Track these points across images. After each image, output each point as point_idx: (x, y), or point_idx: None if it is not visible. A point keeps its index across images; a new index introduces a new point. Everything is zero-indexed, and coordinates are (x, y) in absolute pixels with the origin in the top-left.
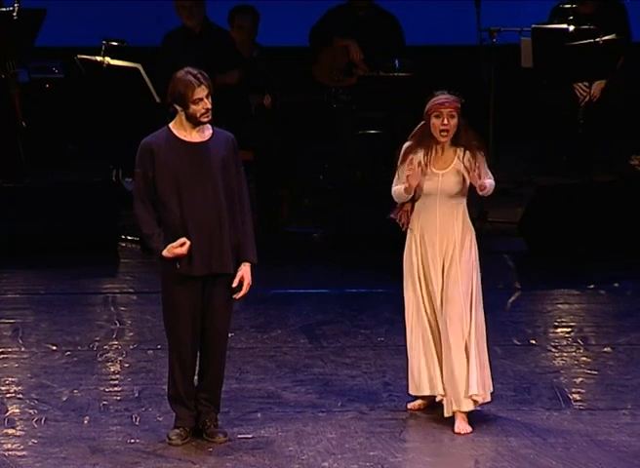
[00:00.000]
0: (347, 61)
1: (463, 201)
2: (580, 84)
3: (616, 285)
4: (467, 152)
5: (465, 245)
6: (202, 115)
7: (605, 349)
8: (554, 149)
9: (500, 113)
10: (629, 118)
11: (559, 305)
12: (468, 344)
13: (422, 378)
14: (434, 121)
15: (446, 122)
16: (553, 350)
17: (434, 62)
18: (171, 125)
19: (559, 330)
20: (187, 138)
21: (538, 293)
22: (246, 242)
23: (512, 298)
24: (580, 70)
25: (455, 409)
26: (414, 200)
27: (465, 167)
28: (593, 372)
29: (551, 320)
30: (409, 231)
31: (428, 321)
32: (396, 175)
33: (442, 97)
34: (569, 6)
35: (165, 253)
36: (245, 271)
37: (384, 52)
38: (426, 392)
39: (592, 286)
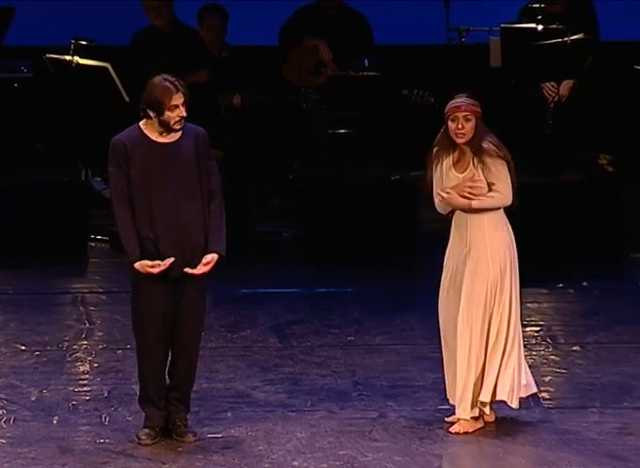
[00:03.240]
0: (316, 61)
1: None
2: (547, 84)
3: (584, 284)
4: (481, 162)
5: (490, 252)
6: (175, 123)
7: (574, 348)
8: (525, 149)
9: None
10: (597, 118)
11: (528, 304)
12: (470, 354)
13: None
14: (450, 124)
15: (460, 126)
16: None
17: (403, 62)
18: (141, 124)
19: (528, 328)
20: (158, 139)
21: None
22: (215, 234)
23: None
24: (549, 70)
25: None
26: None
27: (481, 175)
28: (562, 371)
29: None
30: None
31: (453, 325)
32: (434, 185)
33: (459, 100)
34: (537, 5)
35: (137, 265)
36: (212, 257)
37: (354, 51)
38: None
39: (561, 285)
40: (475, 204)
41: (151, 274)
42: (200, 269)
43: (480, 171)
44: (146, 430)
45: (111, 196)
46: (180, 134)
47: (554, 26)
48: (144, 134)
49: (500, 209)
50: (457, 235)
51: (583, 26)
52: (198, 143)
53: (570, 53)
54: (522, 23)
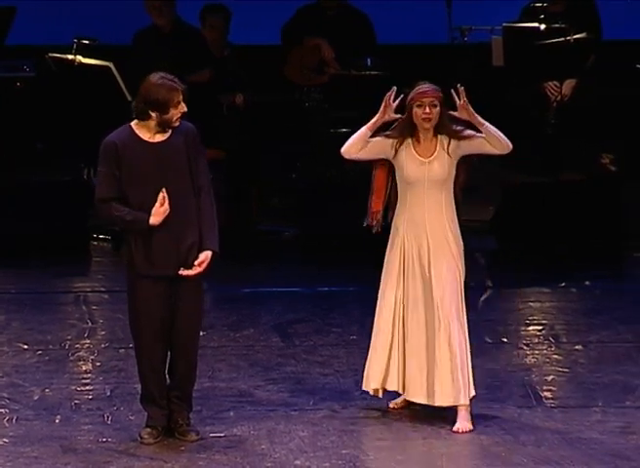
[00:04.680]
0: (318, 60)
1: (450, 192)
2: (550, 83)
3: (586, 283)
4: (451, 140)
5: (450, 238)
6: (177, 119)
7: (576, 347)
8: (527, 149)
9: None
10: (599, 117)
11: (530, 303)
12: (455, 341)
13: (392, 373)
14: (416, 110)
15: (428, 110)
16: (525, 348)
17: (406, 61)
18: (133, 124)
19: (530, 327)
20: (150, 139)
21: (509, 292)
22: (207, 231)
23: (484, 296)
24: (551, 69)
25: (456, 403)
26: (395, 193)
27: (449, 155)
28: (564, 370)
29: (523, 318)
30: (393, 225)
31: (404, 318)
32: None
33: (424, 86)
34: (540, 4)
35: (152, 220)
36: (205, 255)
37: (355, 51)
38: (394, 387)
39: (563, 284)
40: (486, 124)
41: (167, 210)
42: (195, 270)
43: (447, 155)
44: (149, 429)
45: (96, 195)
46: (170, 132)
47: (556, 26)
48: (136, 134)
49: (455, 200)
50: (413, 228)
51: (586, 26)
52: (188, 141)
53: (572, 52)
54: (524, 23)
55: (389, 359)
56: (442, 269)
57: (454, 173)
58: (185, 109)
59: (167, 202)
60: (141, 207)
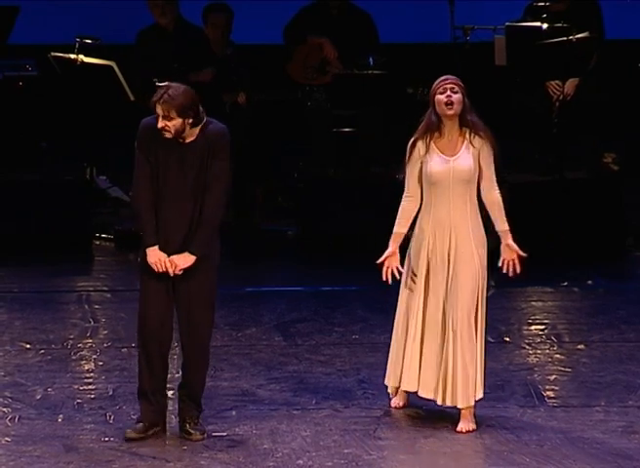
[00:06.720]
0: (321, 59)
1: (474, 188)
2: (552, 82)
3: (589, 282)
4: (476, 136)
5: (474, 239)
6: (161, 129)
7: (578, 346)
8: (529, 148)
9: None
10: (602, 116)
11: (533, 303)
12: (476, 341)
13: (412, 374)
14: (439, 97)
15: (449, 93)
16: (527, 347)
17: (408, 60)
18: None
19: (533, 327)
20: (179, 139)
21: (511, 291)
22: (197, 232)
23: (486, 296)
24: (554, 68)
25: (460, 405)
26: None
27: (475, 154)
28: (567, 370)
29: (525, 317)
30: (417, 226)
31: (424, 317)
32: (406, 178)
33: (444, 76)
34: (542, 4)
35: (150, 250)
36: (179, 257)
37: (358, 50)
38: (413, 388)
39: (565, 283)
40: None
41: (155, 266)
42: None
43: (471, 149)
44: (136, 424)
45: (134, 177)
46: (195, 135)
47: (559, 25)
48: None
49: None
50: (437, 228)
51: (588, 25)
52: (210, 143)
53: (575, 51)
54: (527, 22)
55: (405, 359)
56: (463, 273)
57: (478, 168)
58: (160, 125)
59: (165, 270)
60: (158, 199)
